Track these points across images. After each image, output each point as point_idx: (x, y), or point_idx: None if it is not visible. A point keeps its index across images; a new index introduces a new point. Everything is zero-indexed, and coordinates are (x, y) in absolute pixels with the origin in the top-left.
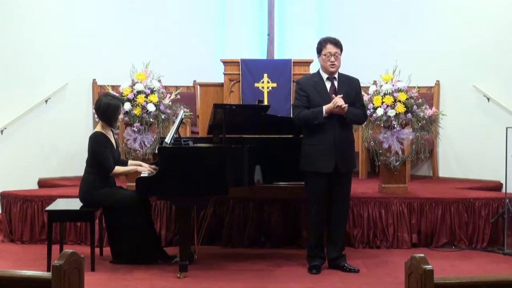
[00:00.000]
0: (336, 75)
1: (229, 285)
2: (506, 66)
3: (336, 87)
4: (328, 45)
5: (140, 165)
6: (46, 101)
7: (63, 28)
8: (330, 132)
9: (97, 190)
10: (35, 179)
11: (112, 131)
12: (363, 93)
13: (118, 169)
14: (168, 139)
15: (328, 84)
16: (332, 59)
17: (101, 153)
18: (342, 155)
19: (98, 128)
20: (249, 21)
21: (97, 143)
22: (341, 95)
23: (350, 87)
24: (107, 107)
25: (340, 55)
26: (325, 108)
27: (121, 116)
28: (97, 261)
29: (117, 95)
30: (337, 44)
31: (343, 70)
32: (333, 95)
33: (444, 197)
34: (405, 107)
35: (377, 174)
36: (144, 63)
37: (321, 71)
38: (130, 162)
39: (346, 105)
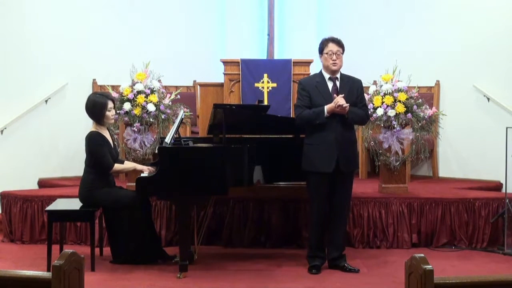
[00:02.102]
0: (338, 76)
1: (229, 285)
2: (506, 66)
3: (338, 87)
4: (330, 43)
5: (135, 168)
6: (46, 101)
7: (63, 28)
8: (331, 132)
9: (97, 190)
10: (35, 179)
11: (109, 130)
12: None
13: (118, 166)
14: (168, 139)
15: (330, 84)
16: (334, 57)
17: (98, 152)
18: (343, 155)
19: (93, 128)
20: (249, 21)
21: (93, 142)
22: (343, 95)
23: (352, 88)
24: (93, 105)
25: (342, 54)
26: (326, 107)
27: (111, 113)
28: (97, 261)
29: (105, 92)
30: (339, 43)
31: (344, 70)
32: (335, 95)
33: (444, 197)
34: (405, 107)
35: (377, 174)
36: (144, 63)
37: (323, 71)
38: (126, 162)
39: (348, 104)
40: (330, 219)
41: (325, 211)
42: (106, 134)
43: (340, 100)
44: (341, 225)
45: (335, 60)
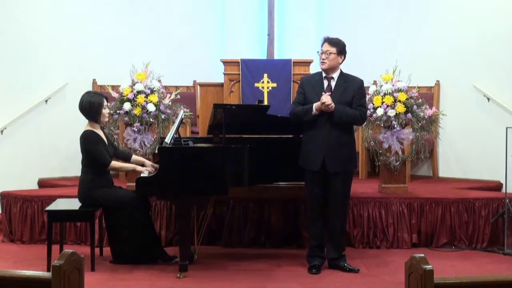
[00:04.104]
0: (335, 75)
1: (229, 285)
2: (506, 66)
3: (333, 86)
4: (324, 43)
5: (143, 163)
6: (46, 101)
7: (63, 28)
8: (319, 130)
9: (95, 189)
10: (35, 179)
11: (102, 129)
12: None
13: (115, 164)
14: (168, 139)
15: (325, 83)
16: (323, 56)
17: (94, 150)
18: (330, 154)
19: (87, 127)
20: (249, 21)
21: (88, 141)
22: (329, 93)
23: (348, 87)
24: (89, 104)
25: (336, 54)
26: (314, 105)
27: (107, 111)
28: (97, 261)
29: (98, 91)
30: (330, 42)
31: (343, 69)
32: (323, 93)
33: (444, 197)
34: (405, 107)
35: (377, 174)
36: (144, 63)
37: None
38: (134, 157)
39: (332, 103)
40: (327, 219)
41: (319, 208)
42: (101, 133)
43: (324, 98)
44: (337, 226)
45: (324, 59)
